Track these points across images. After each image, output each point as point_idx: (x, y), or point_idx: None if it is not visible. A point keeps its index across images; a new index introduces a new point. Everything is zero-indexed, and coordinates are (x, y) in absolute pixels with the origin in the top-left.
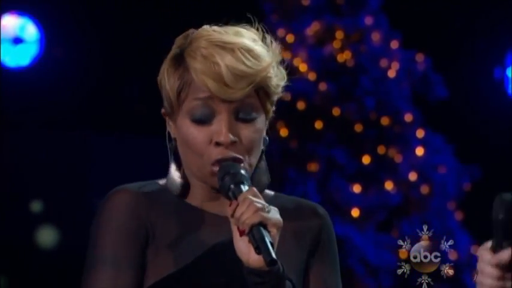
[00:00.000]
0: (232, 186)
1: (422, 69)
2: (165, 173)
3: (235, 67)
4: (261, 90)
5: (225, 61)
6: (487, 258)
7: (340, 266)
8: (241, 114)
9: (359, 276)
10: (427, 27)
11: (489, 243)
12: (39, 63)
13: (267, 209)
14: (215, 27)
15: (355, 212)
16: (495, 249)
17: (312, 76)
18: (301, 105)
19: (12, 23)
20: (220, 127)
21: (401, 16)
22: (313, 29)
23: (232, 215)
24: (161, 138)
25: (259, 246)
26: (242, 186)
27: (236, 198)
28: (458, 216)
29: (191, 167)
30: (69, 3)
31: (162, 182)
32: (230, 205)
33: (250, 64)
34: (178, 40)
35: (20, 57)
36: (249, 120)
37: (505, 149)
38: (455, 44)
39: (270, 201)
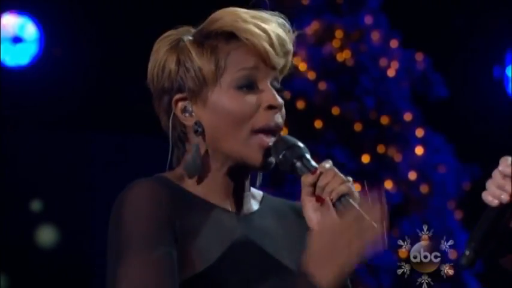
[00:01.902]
0: (295, 160)
1: (422, 69)
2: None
3: (280, 34)
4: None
5: (271, 28)
6: (501, 166)
7: None
8: (274, 84)
9: (359, 276)
10: (427, 27)
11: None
12: (38, 62)
13: (349, 182)
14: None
15: None
16: None
17: (311, 75)
18: (300, 104)
19: (11, 22)
20: (270, 92)
21: (401, 15)
22: (312, 28)
23: (313, 184)
24: (161, 138)
25: None
26: (309, 157)
27: (309, 170)
28: (458, 215)
29: (232, 141)
30: (69, 3)
31: (170, 175)
32: (312, 173)
33: (286, 33)
34: (181, 31)
35: (20, 57)
36: (279, 91)
37: (505, 148)
38: (455, 44)
39: (262, 201)
